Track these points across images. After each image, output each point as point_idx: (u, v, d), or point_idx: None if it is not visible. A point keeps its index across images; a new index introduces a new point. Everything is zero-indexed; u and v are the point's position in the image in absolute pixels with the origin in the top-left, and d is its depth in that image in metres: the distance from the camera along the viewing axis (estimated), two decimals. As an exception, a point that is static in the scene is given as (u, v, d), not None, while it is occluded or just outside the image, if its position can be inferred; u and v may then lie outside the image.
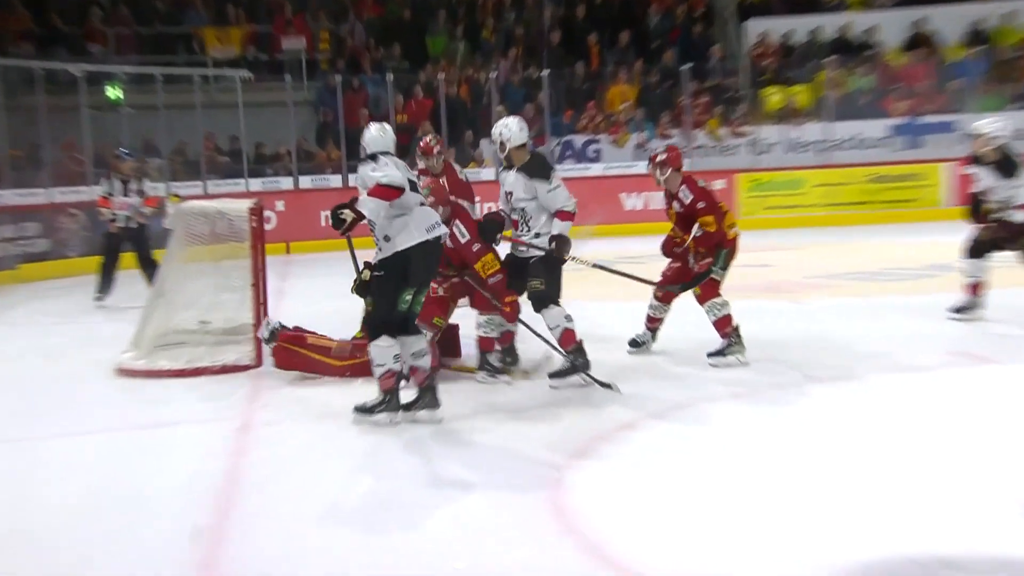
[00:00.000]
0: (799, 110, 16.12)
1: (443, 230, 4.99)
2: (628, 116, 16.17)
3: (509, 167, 5.74)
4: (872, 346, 6.30)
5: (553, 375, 5.63)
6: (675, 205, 6.18)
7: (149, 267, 9.18)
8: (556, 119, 15.96)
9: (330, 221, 4.77)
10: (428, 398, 4.97)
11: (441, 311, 5.86)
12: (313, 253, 13.43)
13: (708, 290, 6.04)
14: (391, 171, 4.74)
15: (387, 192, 4.67)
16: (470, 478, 4.12)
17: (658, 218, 13.97)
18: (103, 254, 9.49)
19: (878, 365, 5.78)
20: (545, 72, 15.66)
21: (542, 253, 5.62)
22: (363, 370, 5.51)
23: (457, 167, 6.63)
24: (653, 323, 6.41)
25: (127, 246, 9.39)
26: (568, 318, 5.61)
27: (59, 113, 13.76)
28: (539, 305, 5.63)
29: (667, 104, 16.32)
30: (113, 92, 15.06)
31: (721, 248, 6.05)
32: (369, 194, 4.69)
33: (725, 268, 6.07)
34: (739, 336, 6.00)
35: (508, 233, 5.83)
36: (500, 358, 5.88)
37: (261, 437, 4.88)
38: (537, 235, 5.65)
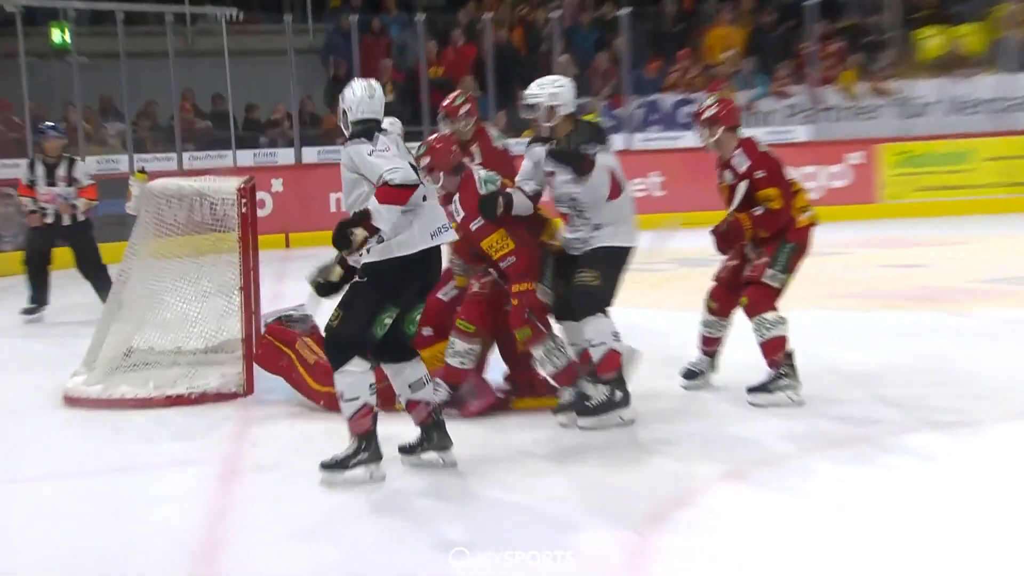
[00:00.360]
0: (966, 58, 15.94)
1: (450, 235, 4.98)
2: (733, 68, 16.13)
3: (546, 140, 5.70)
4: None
5: (583, 412, 5.60)
6: (727, 176, 6.07)
7: (95, 273, 9.33)
8: (638, 72, 15.96)
9: (333, 237, 4.70)
10: (436, 437, 5.01)
11: (479, 317, 5.84)
12: (320, 247, 13.46)
13: (760, 299, 5.92)
14: (398, 161, 4.73)
15: (401, 195, 4.67)
16: (512, 542, 4.13)
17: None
18: (27, 256, 9.57)
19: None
20: (624, 11, 15.66)
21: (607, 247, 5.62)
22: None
23: (495, 133, 6.62)
24: (710, 345, 6.29)
25: (60, 245, 9.50)
26: (616, 335, 5.62)
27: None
28: (583, 309, 5.54)
29: (786, 52, 16.25)
30: (59, 35, 15.32)
31: (784, 241, 5.96)
32: (380, 199, 4.64)
33: (788, 271, 5.97)
34: (792, 367, 5.93)
35: (549, 237, 5.83)
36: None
37: (250, 486, 4.94)
38: (598, 227, 5.65)
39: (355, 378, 4.80)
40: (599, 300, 5.56)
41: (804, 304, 8.75)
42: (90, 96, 14.81)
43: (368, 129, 4.86)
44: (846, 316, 8.32)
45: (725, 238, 6.01)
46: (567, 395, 5.71)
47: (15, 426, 6.17)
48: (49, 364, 7.48)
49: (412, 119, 14.11)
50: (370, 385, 4.82)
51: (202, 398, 6.36)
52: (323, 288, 5.12)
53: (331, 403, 5.83)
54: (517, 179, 5.81)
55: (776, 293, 5.96)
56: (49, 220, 9.35)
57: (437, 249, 4.93)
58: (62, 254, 9.60)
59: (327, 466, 4.86)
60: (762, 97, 15.75)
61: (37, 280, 9.48)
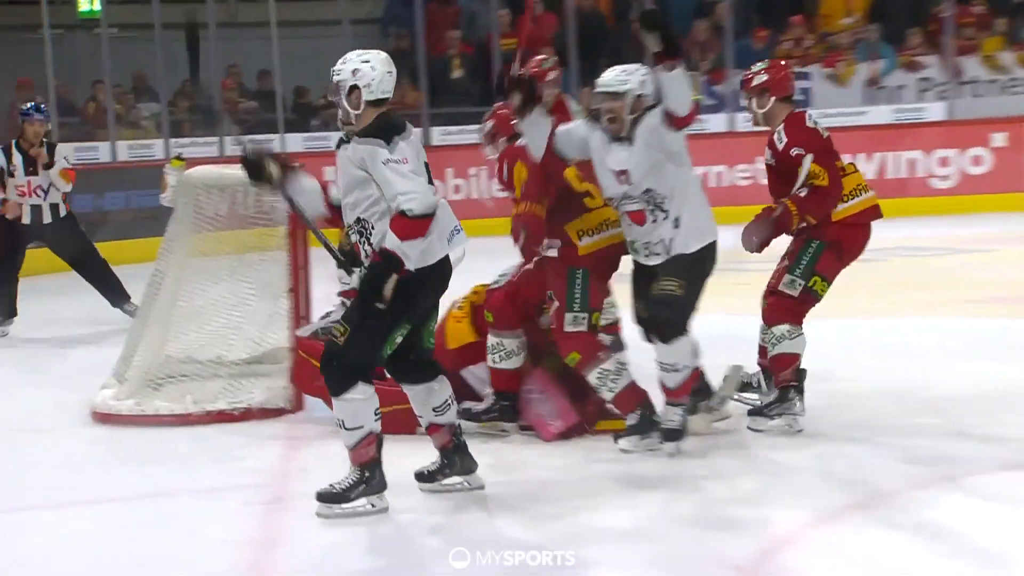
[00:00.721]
0: None
1: (462, 238, 4.96)
2: (855, 37, 15.96)
3: (613, 131, 5.54)
4: None
5: (620, 436, 5.60)
6: (767, 154, 6.00)
7: (95, 271, 9.33)
8: (743, 42, 15.86)
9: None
10: (460, 461, 5.07)
11: (501, 307, 5.88)
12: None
13: (774, 308, 5.84)
14: (415, 181, 4.69)
15: (421, 226, 4.66)
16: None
17: (899, 191, 13.66)
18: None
19: None
20: (727, -29, 15.59)
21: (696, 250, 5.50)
22: (394, 423, 5.61)
23: (576, 106, 6.64)
24: (767, 356, 6.14)
25: (36, 247, 9.41)
26: (696, 352, 5.62)
27: (10, 35, 14.31)
28: (670, 327, 5.42)
29: (917, 17, 16.06)
30: (88, 4, 15.55)
31: (810, 239, 5.80)
32: (401, 234, 4.61)
33: (816, 274, 5.79)
34: (801, 390, 5.86)
35: (612, 239, 5.77)
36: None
37: (300, 515, 4.95)
38: (678, 222, 5.49)
39: (358, 405, 4.80)
40: (683, 316, 5.48)
41: (939, 310, 8.72)
42: (121, 73, 15.00)
43: (387, 126, 4.82)
44: (987, 324, 8.20)
45: (765, 229, 5.79)
46: (631, 418, 5.69)
47: (41, 447, 6.28)
48: (73, 376, 7.61)
49: (482, 99, 14.12)
50: (375, 411, 4.83)
51: (246, 415, 6.42)
52: (351, 259, 5.06)
53: (389, 424, 5.86)
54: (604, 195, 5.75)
55: (796, 303, 5.83)
56: (26, 220, 9.22)
57: (447, 259, 4.92)
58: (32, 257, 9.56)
59: (325, 498, 4.84)
60: (890, 71, 15.56)
61: (10, 288, 9.37)
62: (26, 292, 9.59)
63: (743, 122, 15.17)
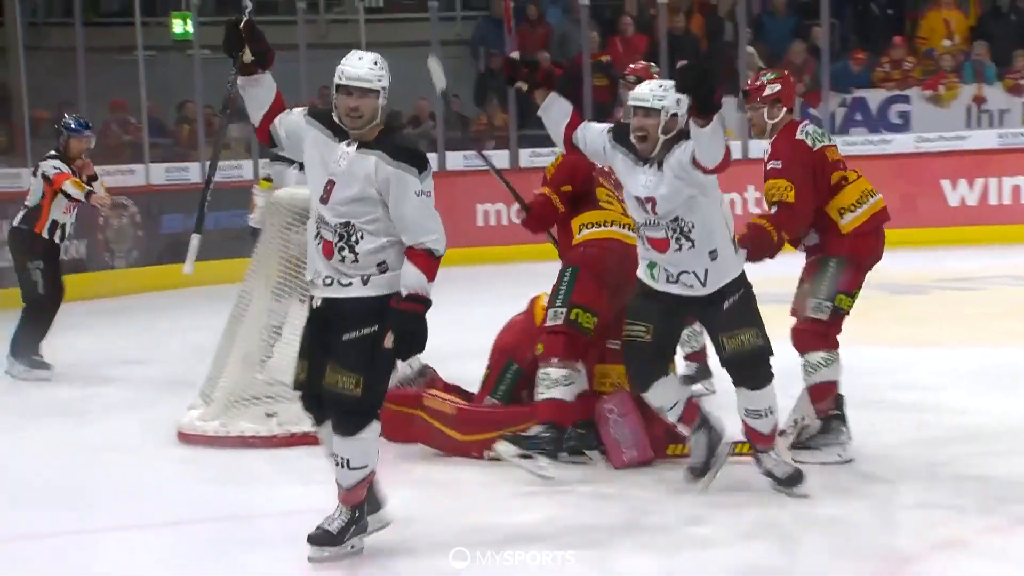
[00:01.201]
0: None
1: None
2: (958, 58, 15.77)
3: (641, 150, 5.23)
4: None
5: (787, 483, 5.39)
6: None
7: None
8: (840, 65, 15.74)
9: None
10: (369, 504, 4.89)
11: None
12: (468, 265, 13.58)
13: (805, 334, 5.73)
14: (439, 220, 4.64)
15: (438, 265, 4.62)
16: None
17: (1003, 217, 13.45)
18: (53, 291, 8.74)
19: None
20: (825, -9, 15.48)
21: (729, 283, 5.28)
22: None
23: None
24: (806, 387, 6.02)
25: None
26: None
27: (105, 57, 14.56)
28: (758, 377, 5.27)
29: (1023, 38, 15.81)
30: (181, 25, 15.79)
31: (827, 257, 5.72)
32: (428, 274, 4.53)
33: (841, 291, 5.70)
34: (843, 417, 5.77)
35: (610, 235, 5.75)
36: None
37: (379, 542, 4.96)
38: (714, 254, 5.23)
39: (369, 444, 4.71)
40: (768, 357, 5.32)
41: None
42: (212, 94, 15.22)
43: (417, 151, 4.74)
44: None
45: (754, 249, 5.60)
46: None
47: (127, 466, 6.39)
48: (158, 396, 7.79)
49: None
50: (377, 449, 4.77)
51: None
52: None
53: (479, 448, 5.89)
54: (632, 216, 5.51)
55: (826, 325, 5.74)
56: (58, 240, 8.76)
57: None
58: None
59: (319, 540, 4.74)
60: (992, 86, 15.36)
61: (35, 326, 8.73)
62: (105, 313, 9.68)
63: (840, 145, 14.99)
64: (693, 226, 5.18)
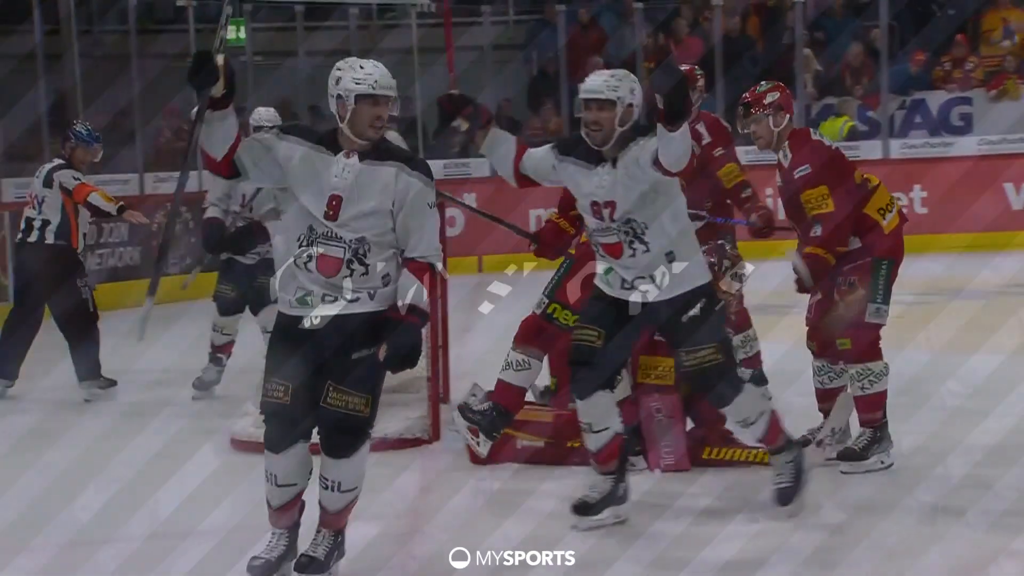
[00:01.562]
0: None
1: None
2: (1020, 57, 15.62)
3: (595, 151, 5.09)
4: None
5: (781, 497, 5.28)
6: (778, 178, 5.90)
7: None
8: (900, 67, 15.63)
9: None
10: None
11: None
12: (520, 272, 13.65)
13: (866, 344, 5.70)
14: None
15: (435, 283, 4.67)
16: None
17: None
18: (94, 306, 8.54)
19: None
20: (883, -8, 15.39)
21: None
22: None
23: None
24: (827, 401, 6.03)
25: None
26: (767, 395, 5.51)
27: (158, 64, 14.67)
28: (725, 396, 5.14)
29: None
30: (234, 31, 15.89)
31: (878, 260, 5.70)
32: (429, 289, 4.49)
33: (884, 298, 5.69)
34: (886, 426, 5.77)
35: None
36: None
37: (436, 551, 4.98)
38: (670, 255, 5.06)
39: (360, 464, 4.68)
40: (734, 371, 5.23)
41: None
42: (263, 100, 15.31)
43: (428, 164, 4.68)
44: None
45: (815, 277, 5.60)
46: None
47: (181, 473, 6.40)
48: (214, 404, 7.95)
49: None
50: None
51: (381, 444, 6.43)
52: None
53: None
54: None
55: (877, 332, 5.76)
56: (81, 246, 8.52)
57: None
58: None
59: (309, 568, 4.66)
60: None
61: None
62: (159, 320, 9.63)
63: (899, 148, 14.96)
64: (646, 227, 5.02)
